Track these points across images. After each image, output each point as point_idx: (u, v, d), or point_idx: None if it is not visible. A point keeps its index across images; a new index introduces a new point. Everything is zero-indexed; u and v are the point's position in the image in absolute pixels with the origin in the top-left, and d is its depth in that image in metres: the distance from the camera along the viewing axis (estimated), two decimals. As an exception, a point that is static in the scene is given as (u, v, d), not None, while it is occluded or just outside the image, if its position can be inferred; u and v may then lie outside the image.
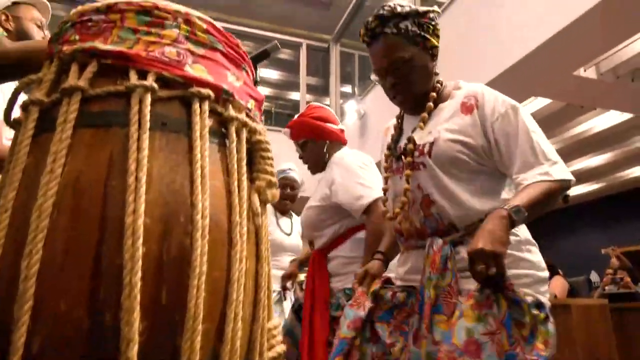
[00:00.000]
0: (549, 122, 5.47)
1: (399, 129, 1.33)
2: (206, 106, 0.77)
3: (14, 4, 1.50)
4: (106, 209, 0.65)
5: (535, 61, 4.02)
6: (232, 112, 0.81)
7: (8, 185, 0.69)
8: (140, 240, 0.64)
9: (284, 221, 2.78)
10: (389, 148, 1.31)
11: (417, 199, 1.18)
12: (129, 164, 0.67)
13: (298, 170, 2.77)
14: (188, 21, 0.81)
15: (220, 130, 0.80)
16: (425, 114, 1.22)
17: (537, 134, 1.12)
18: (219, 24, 0.86)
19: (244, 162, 0.81)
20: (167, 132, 0.73)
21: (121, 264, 0.63)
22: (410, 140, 1.21)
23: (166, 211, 0.68)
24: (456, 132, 1.15)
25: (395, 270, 1.32)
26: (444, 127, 1.17)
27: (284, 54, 8.78)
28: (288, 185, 2.74)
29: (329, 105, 8.25)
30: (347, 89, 8.75)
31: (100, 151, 0.69)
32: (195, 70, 0.78)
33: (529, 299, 1.02)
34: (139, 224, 0.64)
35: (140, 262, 0.63)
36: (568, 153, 6.81)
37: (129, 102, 0.71)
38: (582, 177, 7.37)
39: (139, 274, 0.63)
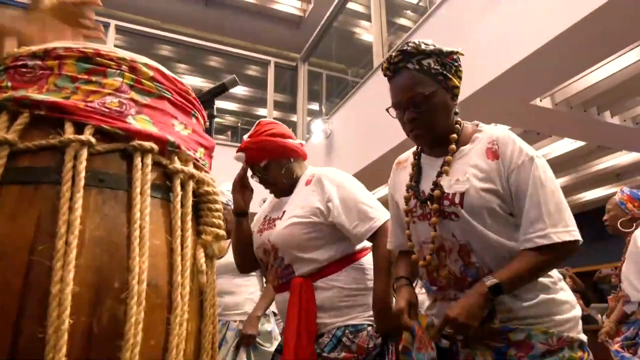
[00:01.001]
0: (508, 148, 5.62)
1: (417, 167, 1.28)
2: (149, 160, 0.73)
3: None
4: (30, 276, 0.60)
5: (495, 90, 4.15)
6: (177, 164, 0.77)
7: None
8: (67, 312, 0.59)
9: None
10: (410, 189, 1.24)
11: (454, 248, 1.14)
12: (59, 226, 0.63)
13: (225, 189, 2.48)
14: (133, 69, 0.77)
15: (165, 183, 0.77)
16: (449, 157, 1.18)
17: (548, 190, 1.08)
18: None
19: (189, 217, 0.78)
20: (105, 189, 0.69)
21: (44, 338, 0.58)
22: (437, 186, 1.16)
23: (99, 277, 0.64)
24: (486, 181, 1.11)
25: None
26: (472, 173, 1.13)
27: (252, 71, 8.75)
28: None
29: (295, 123, 8.26)
30: (315, 106, 8.80)
31: (27, 211, 0.64)
32: (138, 121, 0.75)
33: (576, 343, 1.08)
34: (66, 293, 0.60)
35: (65, 336, 0.58)
36: (526, 176, 7.07)
37: (64, 157, 0.66)
38: (539, 199, 7.63)
39: (64, 350, 0.58)
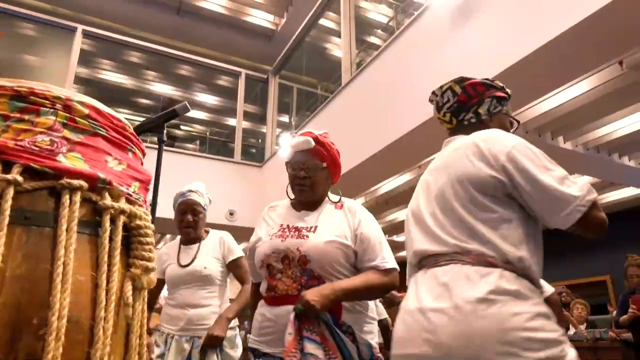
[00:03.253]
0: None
1: None
2: (77, 197, 0.75)
3: None
4: (-55, 315, 0.62)
5: (455, 113, 4.33)
6: (108, 200, 0.80)
7: None
8: (-18, 350, 0.61)
9: (186, 251, 2.41)
10: None
11: None
12: (-21, 265, 0.64)
13: (204, 192, 2.45)
14: (67, 107, 0.80)
15: (95, 219, 0.79)
16: None
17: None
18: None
19: (118, 252, 0.80)
20: (30, 226, 0.71)
21: (-44, 376, 0.60)
22: None
23: (17, 315, 0.66)
24: None
25: None
26: None
27: (223, 81, 8.73)
28: (188, 210, 2.37)
29: (264, 134, 8.28)
30: (285, 118, 8.84)
31: (-53, 249, 0.65)
32: (69, 159, 0.77)
33: None
34: (-19, 331, 0.62)
35: (-22, 374, 0.60)
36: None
37: (-11, 195, 0.68)
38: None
39: (-25, 388, 0.60)
